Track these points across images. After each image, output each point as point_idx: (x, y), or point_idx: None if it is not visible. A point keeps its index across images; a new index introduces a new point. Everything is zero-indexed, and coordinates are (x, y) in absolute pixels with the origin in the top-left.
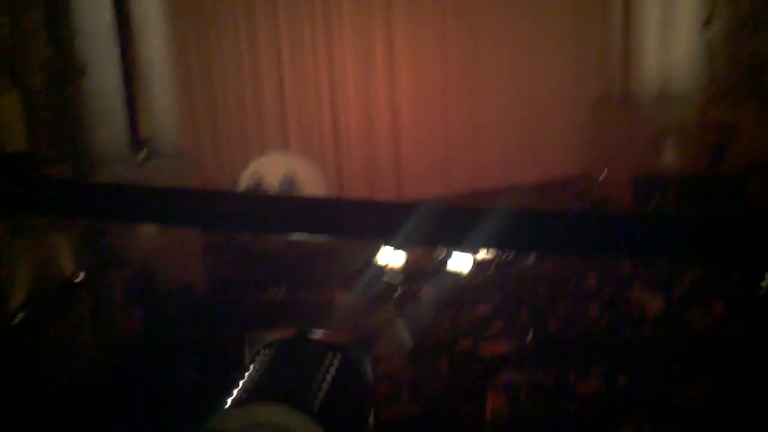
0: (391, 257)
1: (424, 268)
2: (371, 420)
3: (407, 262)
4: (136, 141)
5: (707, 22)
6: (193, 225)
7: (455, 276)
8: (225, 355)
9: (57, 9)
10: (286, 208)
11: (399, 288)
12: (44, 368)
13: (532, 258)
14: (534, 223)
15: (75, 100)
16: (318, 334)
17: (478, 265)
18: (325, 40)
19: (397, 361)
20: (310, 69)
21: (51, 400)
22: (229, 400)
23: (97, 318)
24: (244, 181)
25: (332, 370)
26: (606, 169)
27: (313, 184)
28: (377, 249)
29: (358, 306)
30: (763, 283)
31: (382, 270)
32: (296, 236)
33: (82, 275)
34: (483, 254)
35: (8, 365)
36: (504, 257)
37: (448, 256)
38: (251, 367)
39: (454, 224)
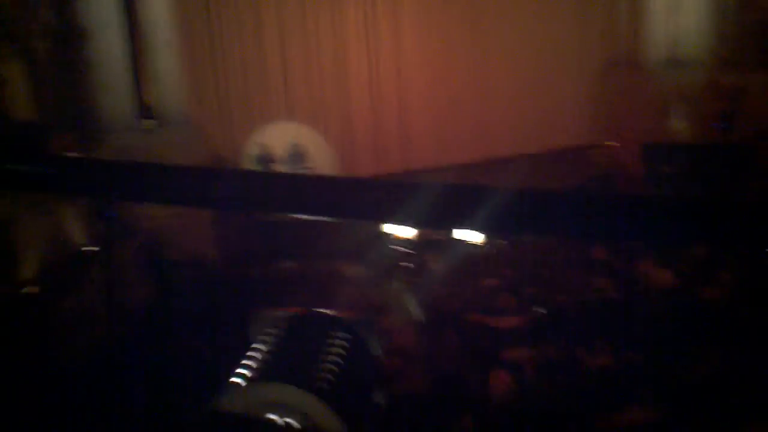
0: (399, 230)
1: (432, 240)
2: (381, 399)
3: (416, 234)
4: (142, 108)
5: None
6: (197, 204)
7: (464, 248)
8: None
9: None
10: (286, 187)
11: (408, 260)
12: (56, 340)
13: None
14: (532, 205)
15: (78, 67)
16: (325, 311)
17: (486, 237)
18: (330, 4)
19: (406, 335)
20: (315, 34)
21: (63, 372)
22: (235, 380)
23: (108, 289)
24: (251, 151)
25: (339, 347)
26: (615, 137)
27: (319, 153)
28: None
29: (366, 278)
30: None
31: (390, 242)
32: (298, 215)
33: (92, 246)
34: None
35: (21, 338)
36: None
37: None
38: (257, 345)
39: (452, 204)
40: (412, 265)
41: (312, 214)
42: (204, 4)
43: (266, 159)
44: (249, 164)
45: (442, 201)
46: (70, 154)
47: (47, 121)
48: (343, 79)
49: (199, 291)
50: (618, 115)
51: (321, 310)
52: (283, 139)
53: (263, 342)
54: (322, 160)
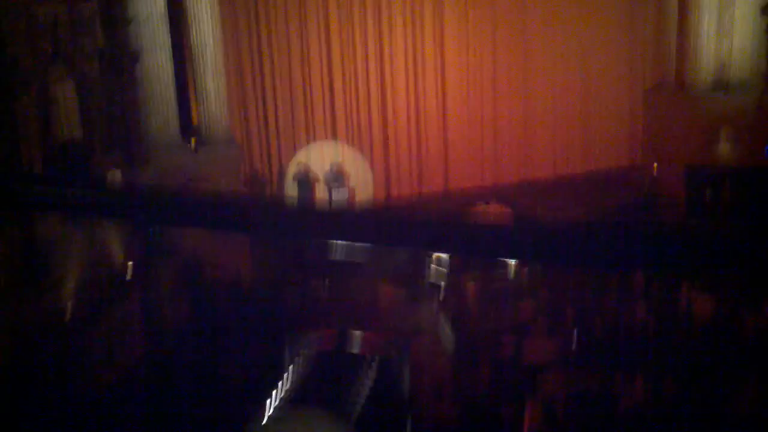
0: (435, 255)
1: (469, 261)
2: (409, 428)
3: (452, 258)
4: (188, 128)
5: (766, 8)
6: (234, 231)
7: (500, 269)
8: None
9: None
10: (320, 218)
11: (443, 285)
12: (96, 359)
13: None
14: (566, 236)
15: (128, 88)
16: (358, 336)
17: (522, 263)
18: (375, 30)
19: (438, 362)
20: (359, 58)
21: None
22: (270, 405)
23: (147, 309)
24: (292, 170)
25: (371, 376)
26: (658, 160)
27: (360, 174)
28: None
29: (402, 299)
30: None
31: (427, 263)
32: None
33: (131, 266)
34: None
35: (60, 357)
36: None
37: None
38: (291, 370)
39: (481, 239)
40: (447, 290)
41: (348, 240)
42: (251, 27)
43: (307, 178)
44: (290, 183)
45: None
46: (110, 179)
47: (95, 139)
48: (386, 101)
49: (237, 310)
50: (663, 137)
51: (354, 331)
52: (324, 159)
53: (298, 365)
54: (361, 181)
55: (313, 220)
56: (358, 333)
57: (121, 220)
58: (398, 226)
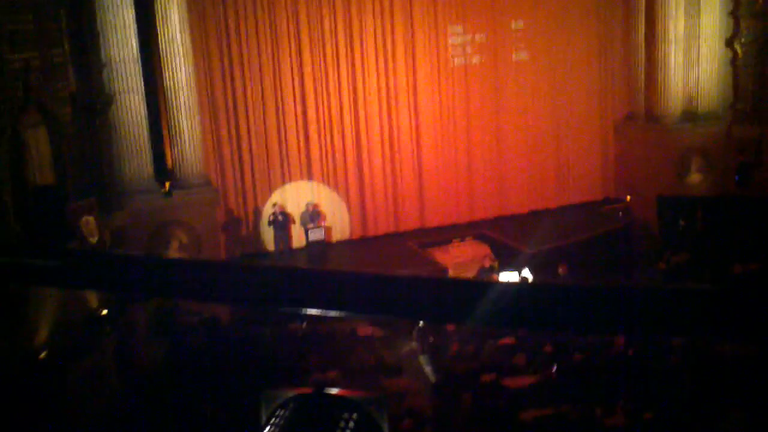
0: None
1: None
2: None
3: None
4: (163, 171)
5: (731, 40)
6: (201, 299)
7: None
8: (242, 396)
9: (84, 42)
10: (296, 283)
11: (421, 324)
12: (70, 403)
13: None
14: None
15: (102, 132)
16: (334, 392)
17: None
18: (349, 70)
19: (420, 396)
20: (333, 98)
21: None
22: None
23: (122, 352)
24: (268, 211)
25: (350, 427)
26: (631, 191)
27: (335, 213)
28: None
29: (381, 338)
30: None
31: None
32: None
33: (106, 309)
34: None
35: (35, 400)
36: None
37: None
38: (267, 429)
39: (453, 299)
40: (426, 325)
41: (319, 308)
42: (225, 68)
43: (282, 219)
44: (265, 224)
45: (442, 296)
46: (83, 226)
47: (69, 184)
48: (360, 141)
49: (212, 353)
50: (635, 168)
51: (331, 390)
52: (300, 199)
53: (272, 424)
54: (337, 220)
55: (287, 287)
56: (334, 391)
57: (96, 289)
58: (378, 293)
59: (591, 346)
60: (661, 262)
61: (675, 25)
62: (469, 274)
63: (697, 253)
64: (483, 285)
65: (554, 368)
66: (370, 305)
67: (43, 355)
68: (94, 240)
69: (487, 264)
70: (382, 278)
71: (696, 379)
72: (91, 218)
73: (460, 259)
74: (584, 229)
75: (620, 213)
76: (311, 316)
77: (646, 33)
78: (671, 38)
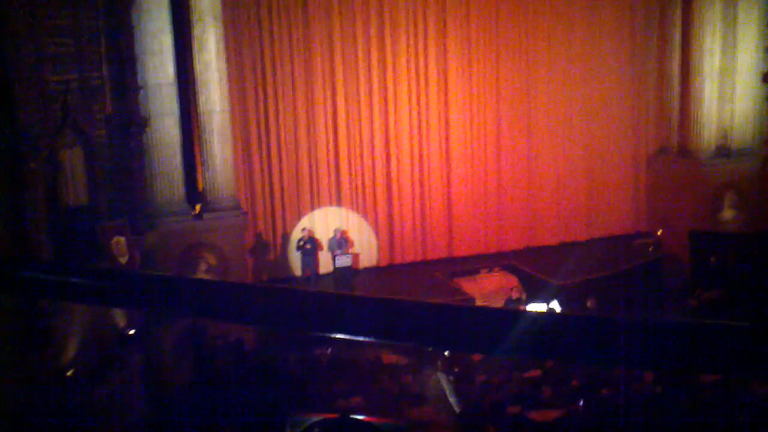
0: None
1: None
2: None
3: None
4: (194, 194)
5: (767, 75)
6: (225, 320)
7: None
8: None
9: (122, 65)
10: (322, 306)
11: (447, 353)
12: (96, 421)
13: None
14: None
15: (136, 153)
16: (359, 418)
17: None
18: (381, 97)
19: (444, 426)
20: (365, 125)
21: None
22: None
23: (148, 372)
24: (296, 236)
25: None
26: (662, 225)
27: (363, 240)
28: None
29: (406, 367)
30: None
31: None
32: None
33: (134, 329)
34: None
35: (62, 417)
36: None
37: None
38: None
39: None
40: (452, 354)
41: (345, 334)
42: (258, 94)
43: (310, 245)
44: (293, 249)
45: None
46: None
47: (101, 205)
48: (390, 169)
49: (237, 375)
50: (667, 202)
51: (356, 416)
52: (328, 225)
53: None
54: (365, 246)
55: (314, 311)
56: (359, 416)
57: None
58: (401, 320)
59: (618, 380)
60: (691, 298)
61: (711, 60)
62: (496, 305)
63: (728, 290)
64: (511, 314)
65: (581, 403)
66: (396, 332)
67: (70, 372)
68: (123, 260)
69: (515, 296)
70: (409, 305)
71: (727, 419)
72: (121, 239)
73: (488, 290)
74: (614, 262)
75: (651, 248)
76: (337, 341)
77: (681, 66)
78: (706, 72)
